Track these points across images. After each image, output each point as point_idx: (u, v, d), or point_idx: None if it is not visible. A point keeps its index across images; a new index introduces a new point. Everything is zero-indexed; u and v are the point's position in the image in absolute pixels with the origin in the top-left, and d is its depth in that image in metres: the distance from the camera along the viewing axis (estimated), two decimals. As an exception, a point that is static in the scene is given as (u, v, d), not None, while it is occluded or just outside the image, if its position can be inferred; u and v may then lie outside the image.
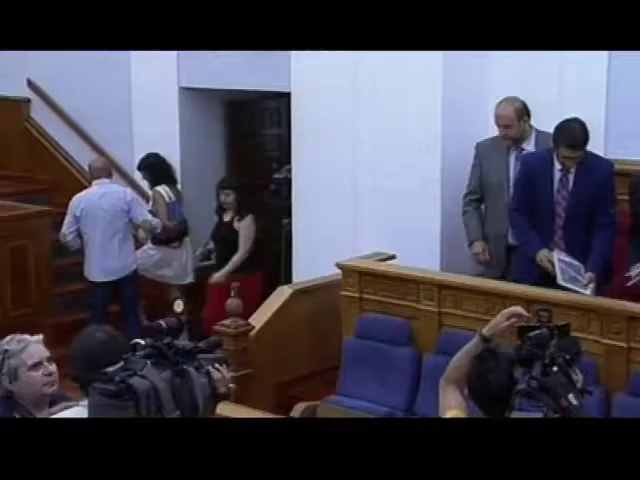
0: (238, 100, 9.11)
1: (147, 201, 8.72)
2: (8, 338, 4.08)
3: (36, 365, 3.95)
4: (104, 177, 8.13)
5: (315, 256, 7.07)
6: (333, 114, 7.27)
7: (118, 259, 8.05)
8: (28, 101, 9.84)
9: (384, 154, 7.12)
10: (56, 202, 8.84)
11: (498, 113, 6.54)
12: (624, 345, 5.41)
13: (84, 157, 9.46)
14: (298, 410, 6.05)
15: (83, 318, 7.60)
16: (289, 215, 7.86)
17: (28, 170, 9.73)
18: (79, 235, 7.98)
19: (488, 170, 6.69)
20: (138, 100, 9.04)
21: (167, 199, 8.58)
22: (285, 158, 8.16)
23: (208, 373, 3.41)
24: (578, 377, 3.58)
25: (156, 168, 8.66)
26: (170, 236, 8.50)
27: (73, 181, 9.43)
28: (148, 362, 3.27)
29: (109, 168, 8.35)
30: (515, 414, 3.52)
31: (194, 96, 8.94)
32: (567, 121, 5.94)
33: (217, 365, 3.46)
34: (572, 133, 5.87)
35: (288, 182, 7.85)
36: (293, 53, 7.34)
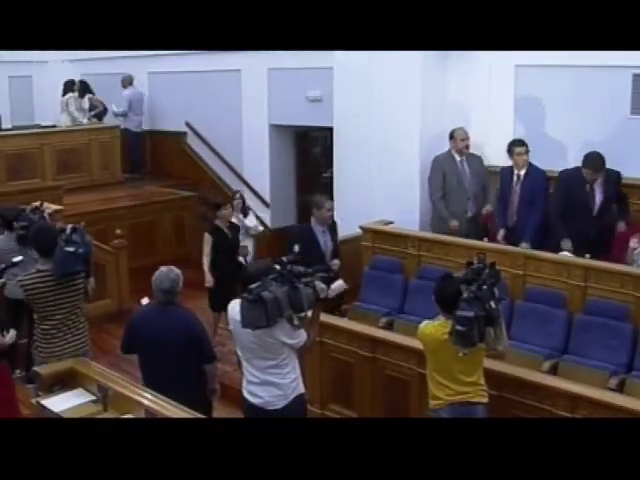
0: (301, 131, 9.07)
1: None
2: None
3: None
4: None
5: (348, 222, 6.82)
6: (357, 139, 7.09)
7: None
8: (185, 134, 9.82)
9: (387, 161, 6.89)
10: (198, 190, 8.88)
11: (464, 135, 6.35)
12: (522, 273, 5.41)
13: (214, 164, 9.61)
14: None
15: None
16: (332, 199, 7.77)
17: (183, 173, 9.75)
18: None
19: (449, 175, 6.41)
20: (246, 131, 9.08)
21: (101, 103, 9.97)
22: (329, 165, 8.05)
23: (314, 287, 3.39)
24: (497, 293, 3.64)
25: (84, 88, 9.90)
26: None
27: (208, 179, 9.47)
28: (274, 283, 3.30)
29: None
30: (459, 312, 3.51)
31: (277, 129, 8.94)
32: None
33: (319, 282, 3.44)
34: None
35: (331, 180, 7.77)
36: (335, 106, 7.26)
